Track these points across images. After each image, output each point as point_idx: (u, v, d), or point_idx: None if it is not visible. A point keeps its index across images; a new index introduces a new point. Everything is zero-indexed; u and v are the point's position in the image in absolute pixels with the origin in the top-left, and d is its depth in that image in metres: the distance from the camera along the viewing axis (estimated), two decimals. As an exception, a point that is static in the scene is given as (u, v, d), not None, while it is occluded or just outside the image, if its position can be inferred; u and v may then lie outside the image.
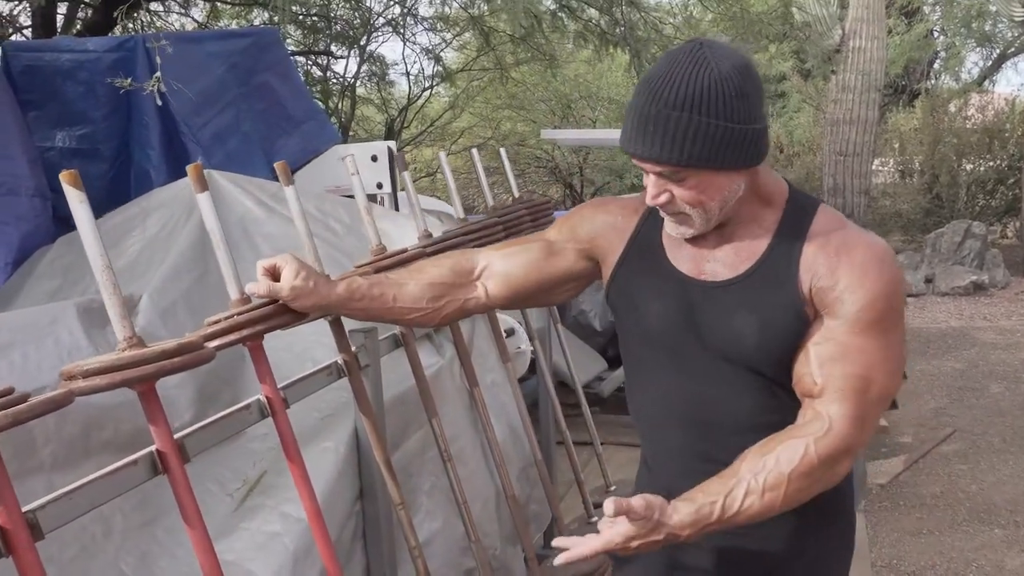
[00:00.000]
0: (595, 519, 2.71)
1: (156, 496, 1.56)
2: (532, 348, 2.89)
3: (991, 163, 11.21)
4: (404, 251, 1.97)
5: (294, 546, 1.63)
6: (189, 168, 1.45)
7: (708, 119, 1.14)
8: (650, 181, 1.23)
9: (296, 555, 1.63)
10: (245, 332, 1.43)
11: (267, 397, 1.49)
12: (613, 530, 1.13)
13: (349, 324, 2.00)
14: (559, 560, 1.15)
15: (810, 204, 1.29)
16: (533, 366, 3.18)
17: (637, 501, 1.11)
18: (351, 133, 8.96)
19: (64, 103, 3.43)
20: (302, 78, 8.55)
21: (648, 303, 1.34)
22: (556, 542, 1.17)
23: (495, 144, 11.94)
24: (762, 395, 1.29)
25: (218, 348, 1.40)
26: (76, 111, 3.41)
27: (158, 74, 2.66)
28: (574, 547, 1.14)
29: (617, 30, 5.83)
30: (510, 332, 3.70)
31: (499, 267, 1.47)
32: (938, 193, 11.19)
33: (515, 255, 1.48)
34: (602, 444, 4.70)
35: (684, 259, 1.32)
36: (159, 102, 2.97)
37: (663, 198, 1.23)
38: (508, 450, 2.52)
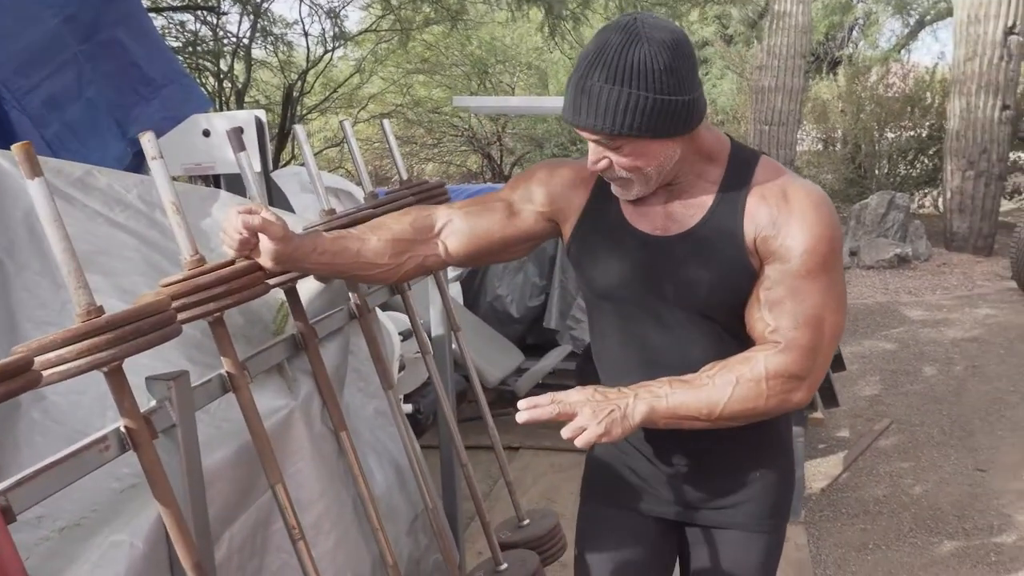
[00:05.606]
0: (503, 567, 2.26)
1: None
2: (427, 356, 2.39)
3: (912, 132, 11.14)
4: (231, 263, 1.45)
5: None
6: None
7: (638, 92, 1.20)
8: (591, 148, 1.30)
9: None
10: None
11: (-29, 513, 0.96)
12: (570, 397, 1.25)
13: (156, 367, 1.47)
14: (519, 418, 1.20)
15: (752, 157, 1.37)
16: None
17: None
18: (247, 99, 8.20)
19: None
20: (187, 37, 7.78)
21: (608, 260, 1.42)
22: (520, 404, 1.22)
23: (406, 111, 11.26)
24: (712, 340, 1.38)
25: None
26: None
27: None
28: (533, 407, 1.22)
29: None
30: (407, 335, 3.19)
31: (460, 225, 1.49)
32: (860, 163, 11.08)
33: (477, 215, 1.50)
34: (519, 448, 4.30)
35: (639, 216, 1.39)
36: None
37: (602, 164, 1.31)
38: (396, 499, 2.04)
